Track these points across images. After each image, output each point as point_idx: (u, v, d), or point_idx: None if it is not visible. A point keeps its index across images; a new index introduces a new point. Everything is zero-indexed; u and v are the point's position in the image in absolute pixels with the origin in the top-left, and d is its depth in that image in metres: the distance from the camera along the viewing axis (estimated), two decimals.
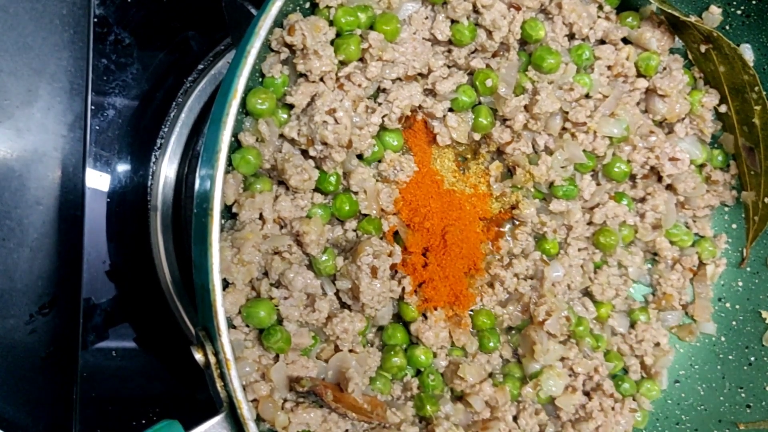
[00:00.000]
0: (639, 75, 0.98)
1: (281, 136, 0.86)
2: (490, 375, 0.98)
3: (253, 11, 0.97)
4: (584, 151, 0.96)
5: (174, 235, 1.12)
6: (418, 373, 0.95)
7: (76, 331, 1.09)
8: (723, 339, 1.06)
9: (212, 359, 0.76)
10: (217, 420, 0.77)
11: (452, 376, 0.94)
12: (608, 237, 1.00)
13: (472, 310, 0.98)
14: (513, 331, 1.01)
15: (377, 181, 0.92)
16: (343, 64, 0.86)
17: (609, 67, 0.98)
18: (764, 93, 0.95)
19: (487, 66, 0.94)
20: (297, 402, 0.84)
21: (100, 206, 1.11)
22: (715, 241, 1.06)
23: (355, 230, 0.91)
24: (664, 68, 0.99)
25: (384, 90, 0.90)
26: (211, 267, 0.73)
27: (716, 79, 1.00)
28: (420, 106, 0.93)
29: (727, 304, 1.07)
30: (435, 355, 0.95)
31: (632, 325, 1.04)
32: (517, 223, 1.01)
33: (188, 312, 1.11)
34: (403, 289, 0.91)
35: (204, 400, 0.90)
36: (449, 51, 0.94)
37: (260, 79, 0.85)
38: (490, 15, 0.90)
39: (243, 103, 0.82)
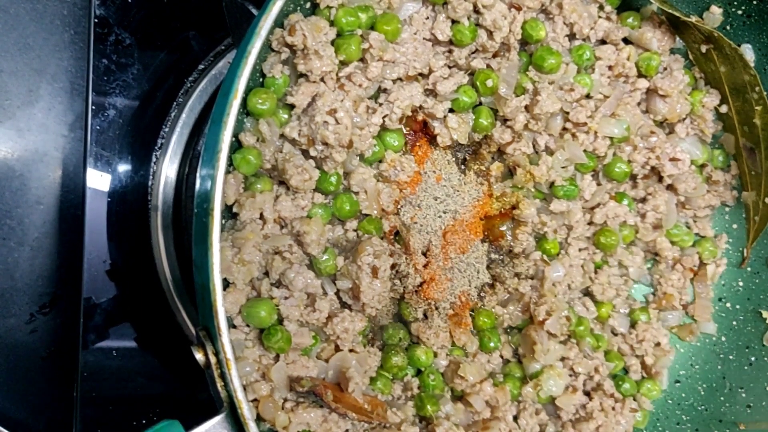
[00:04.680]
0: (640, 75, 0.98)
1: (282, 136, 0.86)
2: (491, 375, 0.98)
3: (254, 11, 0.97)
4: (585, 151, 0.96)
5: (174, 234, 1.12)
6: (418, 372, 0.95)
7: (76, 330, 1.09)
8: (723, 339, 1.06)
9: (212, 359, 0.76)
10: (217, 420, 0.77)
11: (453, 375, 0.94)
12: (609, 237, 1.00)
13: (472, 310, 0.98)
14: (513, 331, 1.01)
15: (378, 181, 0.92)
16: (343, 64, 0.86)
17: (610, 68, 0.97)
18: (765, 93, 0.95)
19: (488, 66, 0.94)
20: (297, 402, 0.84)
21: (100, 206, 1.11)
22: (716, 241, 1.06)
23: (355, 230, 0.91)
24: (665, 68, 0.99)
25: (385, 90, 0.90)
26: (212, 267, 0.73)
27: (717, 79, 1.00)
28: (421, 107, 0.93)
29: (728, 304, 1.07)
30: (435, 354, 0.95)
31: (633, 325, 1.04)
32: (517, 222, 1.01)
33: (188, 312, 1.11)
34: (404, 288, 0.91)
35: (204, 400, 0.90)
36: (450, 51, 0.94)
37: (261, 80, 0.85)
38: (490, 15, 0.90)
39: (244, 104, 0.82)
